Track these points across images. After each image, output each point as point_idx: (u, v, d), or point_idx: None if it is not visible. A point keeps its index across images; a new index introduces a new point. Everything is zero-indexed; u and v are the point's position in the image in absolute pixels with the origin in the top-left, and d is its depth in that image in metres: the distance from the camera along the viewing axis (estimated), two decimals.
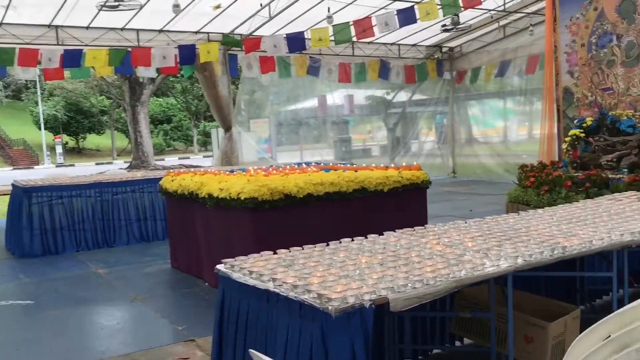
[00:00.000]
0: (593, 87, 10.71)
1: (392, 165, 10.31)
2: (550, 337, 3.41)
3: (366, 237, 3.88)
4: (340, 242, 3.73)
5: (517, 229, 3.98)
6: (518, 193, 10.19)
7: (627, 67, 10.19)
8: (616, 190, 8.85)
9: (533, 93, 15.33)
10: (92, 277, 7.13)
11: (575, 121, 10.56)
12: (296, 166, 7.40)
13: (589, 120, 10.17)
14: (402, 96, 19.18)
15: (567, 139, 10.26)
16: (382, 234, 3.95)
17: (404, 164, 7.15)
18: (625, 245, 3.56)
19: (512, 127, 16.90)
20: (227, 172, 6.84)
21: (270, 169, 6.97)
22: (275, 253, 3.55)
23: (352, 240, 3.79)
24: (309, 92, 15.37)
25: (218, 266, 3.36)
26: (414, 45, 15.80)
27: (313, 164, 7.63)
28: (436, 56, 16.62)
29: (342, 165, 7.28)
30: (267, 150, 18.02)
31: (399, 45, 15.49)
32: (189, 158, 37.84)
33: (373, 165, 6.97)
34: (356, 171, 6.38)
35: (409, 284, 2.71)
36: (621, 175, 9.06)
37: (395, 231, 4.00)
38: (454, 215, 10.25)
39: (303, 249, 3.60)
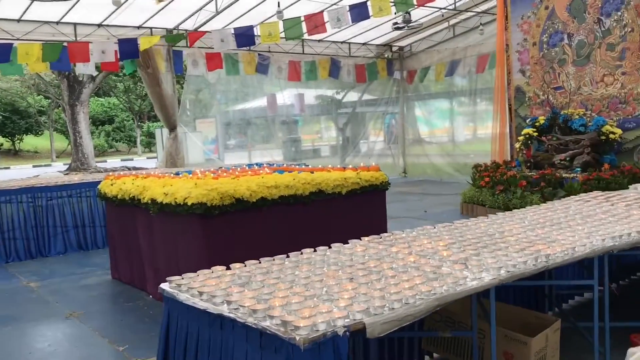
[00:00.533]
0: (544, 86, 10.69)
1: (342, 166, 10.03)
2: (532, 353, 3.13)
3: (330, 247, 3.49)
4: (302, 254, 3.33)
5: (491, 234, 3.69)
6: (473, 193, 10.06)
7: (578, 65, 10.21)
8: (571, 189, 8.81)
9: (482, 93, 15.35)
10: (22, 291, 6.48)
11: (527, 120, 10.52)
12: (247, 168, 6.97)
13: (541, 119, 10.13)
14: (353, 96, 18.95)
15: (521, 138, 10.20)
16: (347, 243, 3.57)
17: (361, 164, 6.83)
18: (607, 250, 3.31)
19: (461, 127, 16.90)
20: (172, 175, 6.35)
21: (219, 171, 6.51)
22: (228, 268, 3.11)
23: (315, 250, 3.40)
24: (258, 91, 14.90)
25: (162, 285, 2.91)
26: (364, 44, 15.57)
27: (264, 165, 7.21)
28: (386, 55, 16.45)
29: (296, 167, 6.89)
30: (214, 151, 17.44)
31: (349, 43, 15.22)
32: (132, 160, 36.56)
33: (330, 166, 6.61)
34: (312, 172, 6.00)
35: (386, 305, 2.34)
36: (575, 175, 9.03)
37: (361, 239, 3.64)
38: (409, 217, 10.02)
39: (260, 262, 3.19)
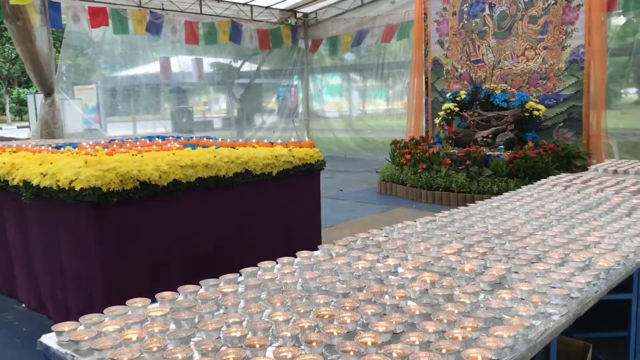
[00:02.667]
0: (464, 59, 10.18)
1: (244, 141, 8.94)
2: None
3: (295, 257, 2.48)
4: (241, 275, 2.30)
5: (497, 234, 2.84)
6: (392, 171, 9.38)
7: (499, 38, 9.77)
8: (497, 168, 8.35)
9: (389, 67, 14.78)
10: None
11: (447, 94, 9.97)
12: (148, 141, 5.69)
13: (462, 94, 9.60)
14: (252, 66, 17.73)
15: (441, 113, 9.63)
16: (317, 249, 2.59)
17: (264, 140, 5.79)
18: None
19: (366, 102, 16.30)
20: (51, 149, 4.97)
21: (114, 145, 5.19)
22: (154, 301, 2.02)
23: (275, 264, 2.38)
24: (149, 55, 13.22)
25: (43, 339, 1.77)
26: (267, 7, 14.35)
27: (170, 137, 5.95)
28: (290, 22, 15.35)
29: (209, 140, 5.73)
30: (95, 120, 15.61)
31: (251, 5, 13.95)
32: (0, 129, 32.79)
33: (254, 141, 5.52)
34: (233, 148, 4.90)
35: None
36: (499, 153, 8.59)
37: (335, 243, 2.66)
38: (326, 197, 9.13)
39: (201, 286, 2.12)
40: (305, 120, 16.46)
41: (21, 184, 4.14)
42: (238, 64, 18.21)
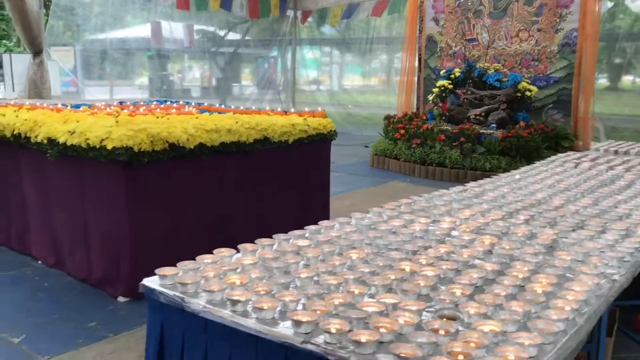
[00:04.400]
0: (458, 37, 10.31)
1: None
2: None
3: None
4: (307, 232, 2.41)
5: (532, 204, 2.99)
6: (386, 145, 9.52)
7: (494, 18, 9.91)
8: (489, 146, 8.55)
9: (378, 41, 14.83)
10: None
11: (442, 72, 10.10)
12: (160, 104, 5.69)
13: (456, 72, 9.75)
14: (237, 36, 17.58)
15: (435, 90, 9.77)
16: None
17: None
18: None
19: (352, 76, 16.36)
20: (70, 108, 4.95)
21: (130, 107, 5.18)
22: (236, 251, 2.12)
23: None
24: (139, 17, 12.98)
25: (146, 282, 1.85)
26: None
27: (181, 102, 5.94)
28: None
29: (222, 107, 5.76)
30: (72, 83, 15.35)
31: None
32: None
33: (268, 108, 5.58)
34: (251, 115, 4.96)
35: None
36: (492, 131, 8.79)
37: (382, 207, 2.78)
38: None
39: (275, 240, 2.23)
40: (290, 92, 16.45)
41: (45, 141, 4.14)
42: (222, 33, 18.02)
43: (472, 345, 1.41)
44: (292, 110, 5.58)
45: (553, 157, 4.67)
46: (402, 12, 13.41)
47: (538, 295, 1.74)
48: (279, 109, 6.11)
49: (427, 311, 1.65)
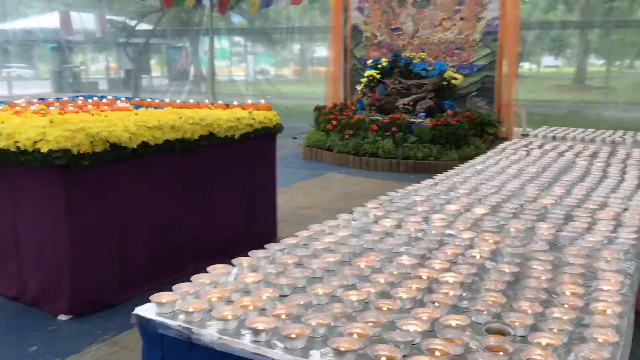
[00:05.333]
0: (382, 27, 10.32)
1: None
2: None
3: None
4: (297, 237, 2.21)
5: (509, 195, 2.93)
6: (318, 137, 9.39)
7: (418, 7, 9.99)
8: (420, 134, 8.62)
9: (300, 31, 14.68)
10: None
11: (369, 62, 10.08)
12: (87, 100, 5.21)
13: (383, 62, 9.76)
14: (148, 26, 16.86)
15: (363, 80, 9.75)
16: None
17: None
18: None
19: (275, 66, 16.13)
20: None
21: (55, 104, 4.69)
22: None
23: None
24: (45, 5, 12.04)
25: (140, 311, 1.59)
26: None
27: (109, 97, 5.46)
28: None
29: (155, 101, 5.38)
30: None
31: None
32: None
33: (207, 101, 5.25)
34: (182, 110, 4.63)
35: None
36: (421, 120, 8.87)
37: (365, 205, 2.62)
38: None
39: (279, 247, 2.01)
40: (210, 84, 15.97)
41: None
42: (133, 23, 17.24)
43: None
44: (220, 102, 5.28)
45: (502, 146, 4.70)
46: (324, 1, 13.32)
47: (569, 298, 1.65)
48: (206, 101, 5.79)
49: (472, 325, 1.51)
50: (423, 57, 9.72)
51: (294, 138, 10.71)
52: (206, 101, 5.53)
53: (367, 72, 9.67)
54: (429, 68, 9.51)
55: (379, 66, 9.70)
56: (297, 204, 6.43)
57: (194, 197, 4.34)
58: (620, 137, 5.20)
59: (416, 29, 10.02)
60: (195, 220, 4.34)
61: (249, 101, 5.24)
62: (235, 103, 5.05)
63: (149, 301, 1.59)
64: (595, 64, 16.50)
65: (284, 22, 15.18)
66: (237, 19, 17.47)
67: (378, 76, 9.60)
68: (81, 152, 3.43)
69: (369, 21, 10.42)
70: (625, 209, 2.66)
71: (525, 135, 5.60)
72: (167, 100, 6.21)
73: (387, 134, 8.63)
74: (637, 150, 4.44)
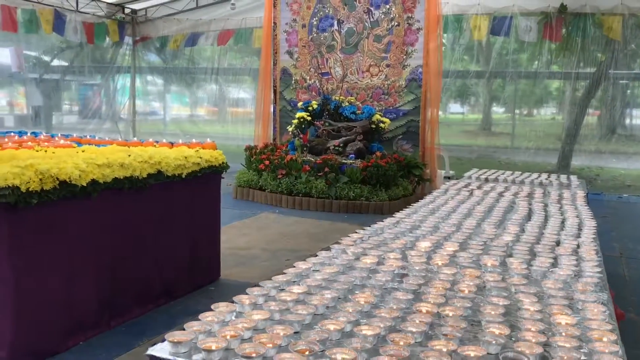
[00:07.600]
0: (312, 71, 10.57)
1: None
2: None
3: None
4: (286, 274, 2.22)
5: (469, 233, 3.06)
6: (250, 177, 9.36)
7: (346, 53, 10.33)
8: (352, 175, 8.80)
9: (225, 73, 14.73)
10: None
11: (299, 104, 10.24)
12: (19, 136, 4.95)
13: (314, 104, 9.97)
14: (63, 63, 16.34)
15: (295, 121, 9.88)
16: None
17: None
18: None
19: (201, 106, 16.03)
20: None
21: (6, 139, 4.43)
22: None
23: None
24: None
25: (154, 351, 1.53)
26: None
27: (60, 135, 5.20)
28: (118, 17, 14.45)
29: (94, 139, 5.20)
30: None
31: None
32: None
33: (151, 139, 5.14)
34: (129, 147, 4.52)
35: None
36: (351, 161, 9.08)
37: (339, 242, 2.66)
38: None
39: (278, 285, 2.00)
40: (131, 122, 15.60)
41: None
42: (48, 58, 16.66)
43: None
44: (164, 140, 5.21)
45: (444, 187, 4.90)
46: (249, 44, 13.48)
47: (566, 327, 1.75)
48: (132, 139, 5.67)
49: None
50: (352, 101, 10.01)
51: (222, 178, 10.56)
52: (150, 139, 5.41)
53: (299, 114, 9.82)
54: (358, 112, 9.79)
55: (310, 108, 9.88)
56: (235, 244, 6.34)
57: (141, 238, 4.20)
58: (546, 179, 5.57)
59: (345, 73, 10.33)
60: (141, 262, 4.20)
61: (171, 139, 5.19)
62: (181, 142, 4.98)
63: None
64: (498, 111, 17.54)
65: (203, 62, 15.22)
66: (152, 57, 17.27)
67: (309, 118, 9.77)
68: (30, 189, 3.26)
69: (299, 65, 10.64)
70: (578, 245, 2.85)
71: (448, 178, 5.88)
72: (106, 138, 6.03)
73: (320, 174, 8.75)
74: (567, 192, 4.77)
